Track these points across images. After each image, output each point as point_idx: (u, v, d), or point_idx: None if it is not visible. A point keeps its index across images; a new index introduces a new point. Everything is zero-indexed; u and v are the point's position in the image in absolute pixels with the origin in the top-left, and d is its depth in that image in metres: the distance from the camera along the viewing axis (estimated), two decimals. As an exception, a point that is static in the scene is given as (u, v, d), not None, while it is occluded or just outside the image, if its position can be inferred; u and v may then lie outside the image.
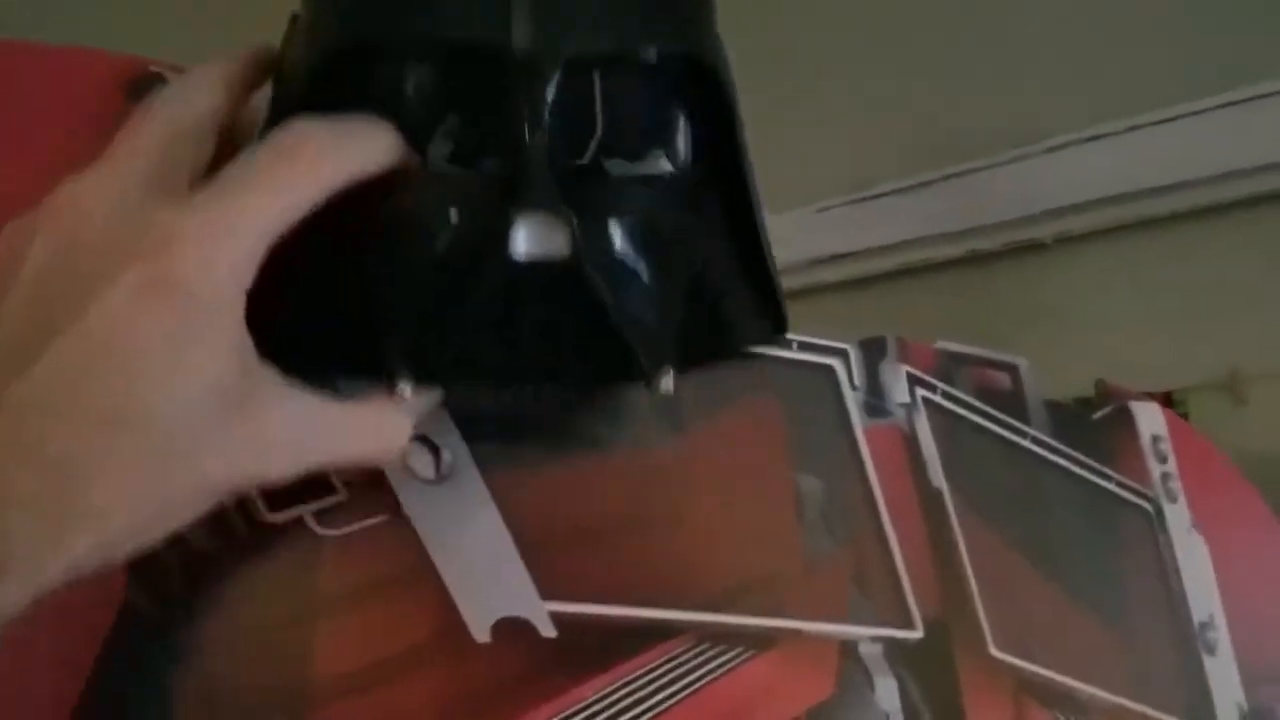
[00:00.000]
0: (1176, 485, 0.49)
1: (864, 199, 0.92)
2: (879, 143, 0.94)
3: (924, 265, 0.90)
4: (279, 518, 0.35)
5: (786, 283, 0.96)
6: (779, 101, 0.97)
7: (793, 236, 0.96)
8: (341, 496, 0.35)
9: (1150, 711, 0.45)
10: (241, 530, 0.35)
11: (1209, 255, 0.77)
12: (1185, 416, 0.76)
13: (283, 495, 0.35)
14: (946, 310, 0.89)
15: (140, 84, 0.37)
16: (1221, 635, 0.47)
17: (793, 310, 1.00)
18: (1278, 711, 0.47)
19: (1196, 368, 0.75)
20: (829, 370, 0.43)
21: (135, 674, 0.32)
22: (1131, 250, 0.81)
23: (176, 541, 0.34)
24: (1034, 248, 0.84)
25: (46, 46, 0.39)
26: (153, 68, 0.38)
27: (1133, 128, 0.77)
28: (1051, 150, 0.82)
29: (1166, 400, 0.78)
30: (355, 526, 0.35)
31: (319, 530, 0.34)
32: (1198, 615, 0.47)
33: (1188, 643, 0.47)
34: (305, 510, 0.35)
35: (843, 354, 0.44)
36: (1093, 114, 0.80)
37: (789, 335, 0.44)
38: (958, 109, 0.89)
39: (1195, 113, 0.75)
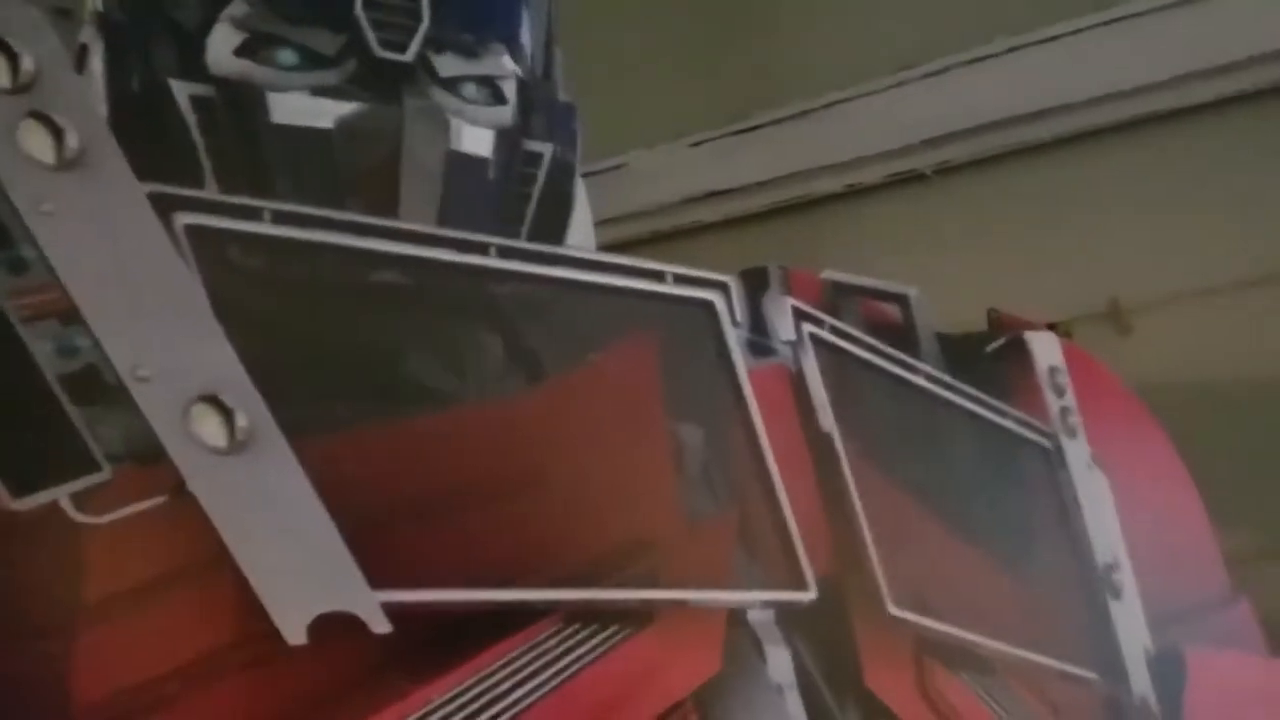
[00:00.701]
0: (1076, 420, 0.47)
1: (739, 131, 0.88)
2: (752, 71, 0.90)
3: (803, 201, 0.87)
4: (25, 504, 0.28)
5: (657, 224, 0.91)
6: (645, 26, 0.92)
7: (665, 173, 0.92)
8: (106, 475, 0.28)
9: (1056, 664, 0.43)
10: None
11: (1088, 181, 0.77)
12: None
13: (29, 475, 0.28)
14: (826, 247, 0.86)
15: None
16: (1126, 577, 0.45)
17: (668, 252, 0.96)
18: (1185, 652, 0.46)
19: (1079, 298, 0.75)
20: (708, 306, 0.39)
21: None
22: (1010, 179, 0.80)
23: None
24: (915, 178, 0.82)
25: None
26: None
27: (1012, 49, 0.76)
28: (929, 75, 0.79)
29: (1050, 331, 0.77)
30: (125, 511, 0.28)
31: (78, 517, 0.28)
32: (1101, 557, 0.45)
33: (1092, 587, 0.45)
34: (59, 493, 0.28)
35: (723, 287, 0.40)
36: (971, 37, 0.78)
37: (664, 267, 0.39)
38: (833, 34, 0.86)
39: (1075, 31, 0.73)
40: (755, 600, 0.37)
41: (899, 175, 0.82)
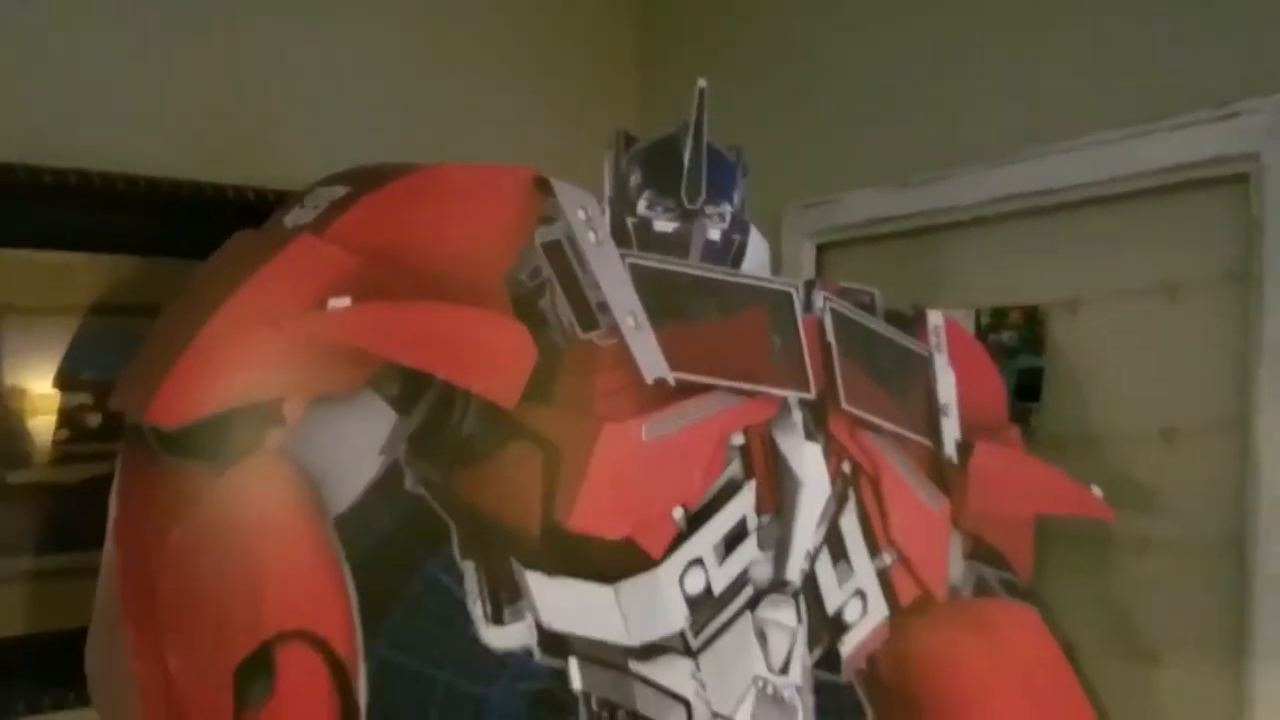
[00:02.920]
0: (943, 345, 1.18)
1: (906, 185, 1.55)
2: (915, 145, 1.56)
3: (939, 225, 1.53)
4: (586, 336, 1.08)
5: (861, 233, 1.63)
6: (876, 104, 1.59)
7: (864, 204, 1.60)
8: (604, 331, 1.08)
9: (912, 435, 1.16)
10: (563, 345, 1.09)
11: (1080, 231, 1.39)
12: (1044, 320, 1.41)
13: (585, 326, 1.08)
14: (949, 252, 1.52)
15: (540, 182, 1.10)
16: (953, 409, 1.17)
17: (865, 251, 1.68)
18: (975, 442, 1.17)
19: (1052, 293, 1.40)
20: (789, 294, 1.14)
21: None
22: (1041, 225, 1.42)
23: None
24: (999, 218, 1.46)
25: (494, 166, 1.13)
26: (541, 175, 1.11)
27: (1067, 150, 1.35)
28: (1023, 160, 1.41)
29: (1035, 310, 1.43)
30: (610, 342, 1.08)
31: (599, 343, 1.08)
32: (942, 400, 1.17)
33: (935, 411, 1.17)
34: (594, 335, 1.08)
35: (796, 286, 1.14)
36: (1048, 134, 1.38)
37: (775, 277, 1.15)
38: (965, 122, 1.50)
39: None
40: (791, 394, 1.13)
41: (975, 218, 1.46)
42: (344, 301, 1.01)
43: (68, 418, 1.38)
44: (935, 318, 1.21)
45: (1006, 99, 1.45)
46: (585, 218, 1.09)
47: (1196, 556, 1.24)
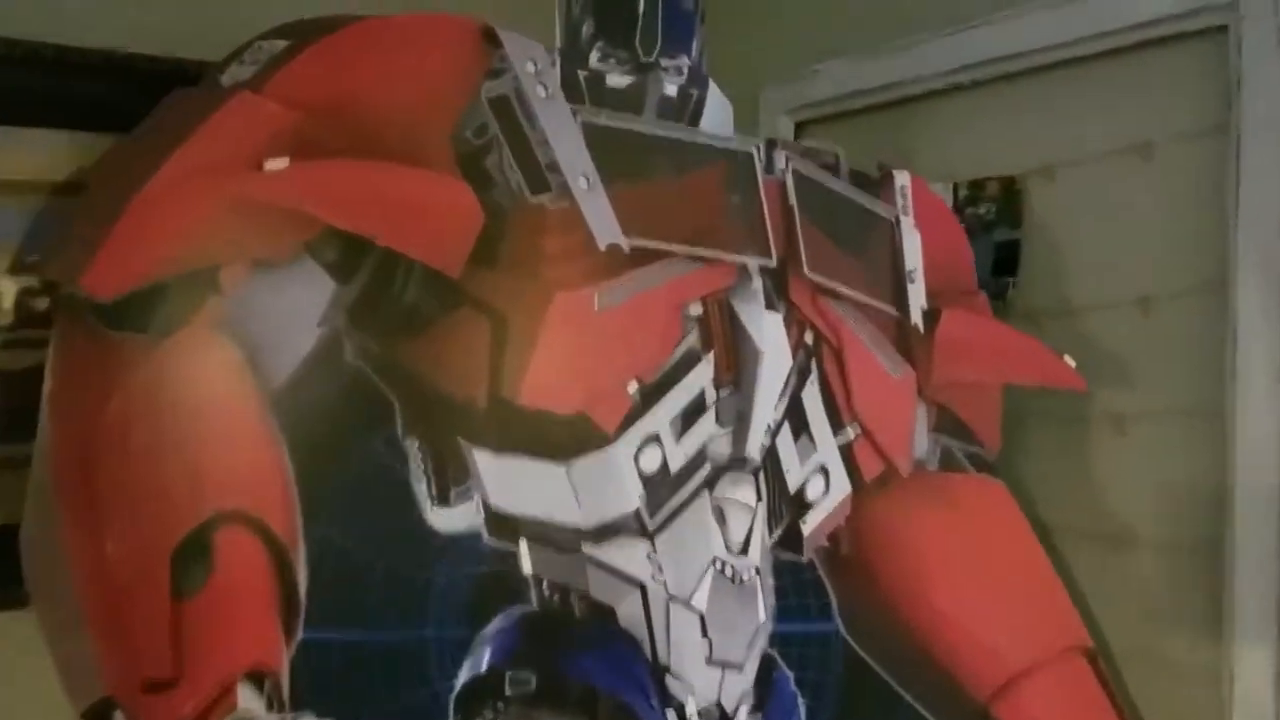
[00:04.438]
0: (910, 208, 1.12)
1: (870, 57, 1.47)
2: (879, 17, 1.47)
3: (906, 97, 1.46)
4: (536, 200, 1.00)
5: (841, 106, 1.49)
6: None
7: (840, 77, 1.51)
8: (555, 192, 1.00)
9: (878, 304, 1.10)
10: (511, 207, 1.01)
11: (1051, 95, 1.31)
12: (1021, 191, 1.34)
13: (536, 189, 1.00)
14: (918, 121, 1.45)
15: (487, 33, 1.01)
16: (919, 275, 1.11)
17: (839, 125, 1.55)
18: (944, 310, 1.11)
19: (1025, 163, 1.32)
20: (750, 154, 1.07)
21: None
22: (1006, 92, 1.34)
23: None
24: (959, 88, 1.39)
25: (439, 15, 1.03)
26: (489, 25, 1.01)
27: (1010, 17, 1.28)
28: (971, 28, 1.33)
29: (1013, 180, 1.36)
30: (561, 206, 1.01)
31: (549, 206, 1.01)
32: (909, 266, 1.11)
33: (901, 277, 1.11)
34: (543, 200, 1.01)
35: (758, 146, 1.07)
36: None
37: (734, 136, 1.07)
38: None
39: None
40: (751, 261, 1.07)
41: (950, 85, 1.38)
42: (282, 162, 0.95)
43: (15, 302, 1.31)
44: (902, 178, 1.15)
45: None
46: (534, 71, 1.01)
47: (1174, 430, 1.20)
